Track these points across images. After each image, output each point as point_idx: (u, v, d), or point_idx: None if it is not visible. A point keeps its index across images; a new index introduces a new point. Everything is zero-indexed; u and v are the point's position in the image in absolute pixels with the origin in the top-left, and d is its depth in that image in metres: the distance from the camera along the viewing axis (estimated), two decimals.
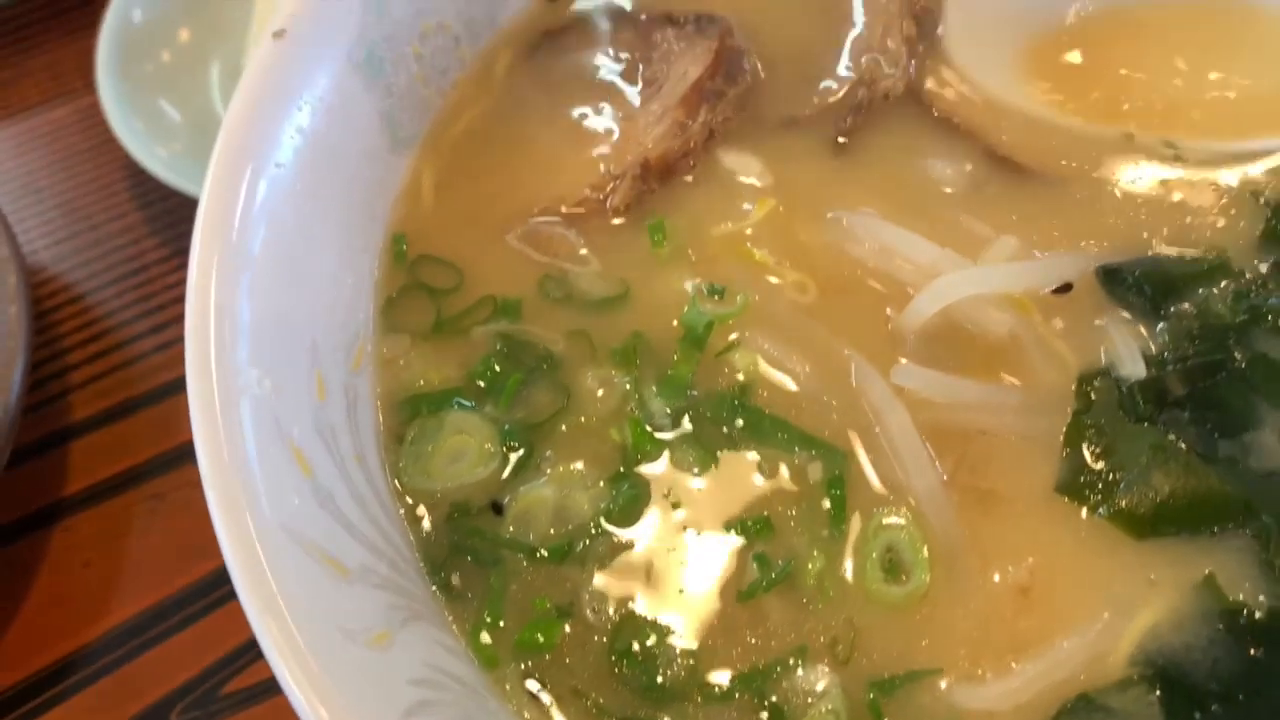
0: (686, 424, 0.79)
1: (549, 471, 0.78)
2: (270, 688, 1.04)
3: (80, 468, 1.19)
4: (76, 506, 1.17)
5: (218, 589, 1.10)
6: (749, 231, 0.88)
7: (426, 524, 0.77)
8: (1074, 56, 1.00)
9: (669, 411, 0.80)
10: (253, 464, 0.68)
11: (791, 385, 0.80)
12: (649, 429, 0.79)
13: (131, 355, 1.25)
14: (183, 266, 1.22)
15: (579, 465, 0.78)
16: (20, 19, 1.51)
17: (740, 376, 0.81)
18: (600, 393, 0.80)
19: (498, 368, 0.82)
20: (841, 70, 0.95)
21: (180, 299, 1.25)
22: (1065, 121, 0.93)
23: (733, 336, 0.83)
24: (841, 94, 0.93)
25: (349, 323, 0.83)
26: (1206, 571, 0.72)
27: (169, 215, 1.34)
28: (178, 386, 1.23)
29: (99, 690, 1.06)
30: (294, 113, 0.82)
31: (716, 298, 0.84)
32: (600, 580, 0.75)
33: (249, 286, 0.74)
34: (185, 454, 1.18)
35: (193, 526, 1.14)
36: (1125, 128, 0.92)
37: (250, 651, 1.07)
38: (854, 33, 0.96)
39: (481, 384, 0.82)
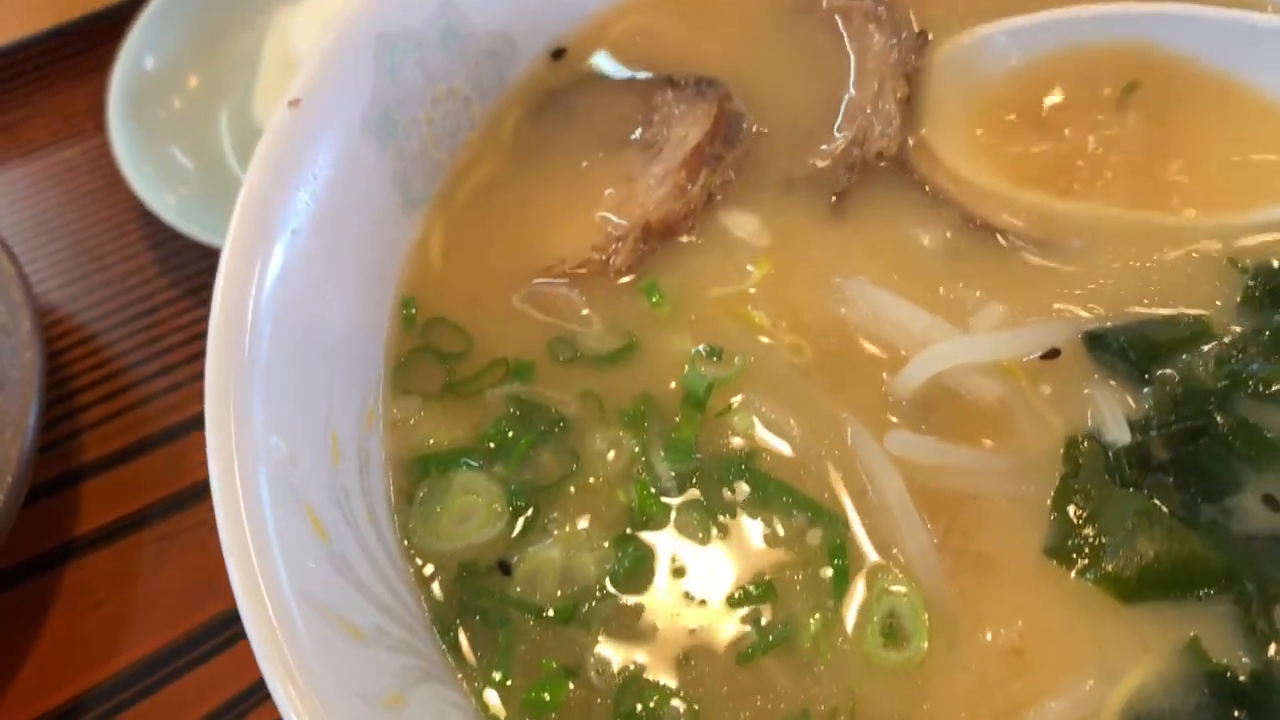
0: (692, 488, 0.82)
1: (556, 532, 0.81)
2: None
3: (92, 508, 1.21)
4: (88, 546, 1.19)
5: (227, 629, 1.13)
6: (749, 293, 0.90)
7: (436, 584, 0.80)
8: (1045, 133, 1.01)
9: (674, 475, 0.82)
10: (270, 533, 0.70)
11: (788, 449, 0.83)
12: (654, 492, 0.81)
13: (142, 396, 1.28)
14: (193, 308, 1.25)
15: (585, 526, 0.81)
16: (32, 60, 1.54)
17: (738, 440, 0.84)
18: (610, 455, 0.83)
19: (509, 431, 0.85)
20: (836, 132, 0.98)
21: (190, 339, 1.29)
22: (1041, 199, 0.95)
23: (735, 400, 0.85)
24: (836, 154, 0.96)
25: (362, 383, 0.86)
26: (1191, 635, 0.75)
27: (179, 256, 1.36)
28: (188, 427, 1.27)
29: None
30: (309, 180, 0.84)
31: (715, 359, 0.87)
32: (605, 641, 0.77)
33: (266, 354, 0.77)
34: (195, 494, 1.20)
35: (203, 566, 1.16)
36: (1106, 202, 0.94)
37: (260, 691, 1.09)
38: (848, 95, 0.98)
39: (492, 445, 0.85)
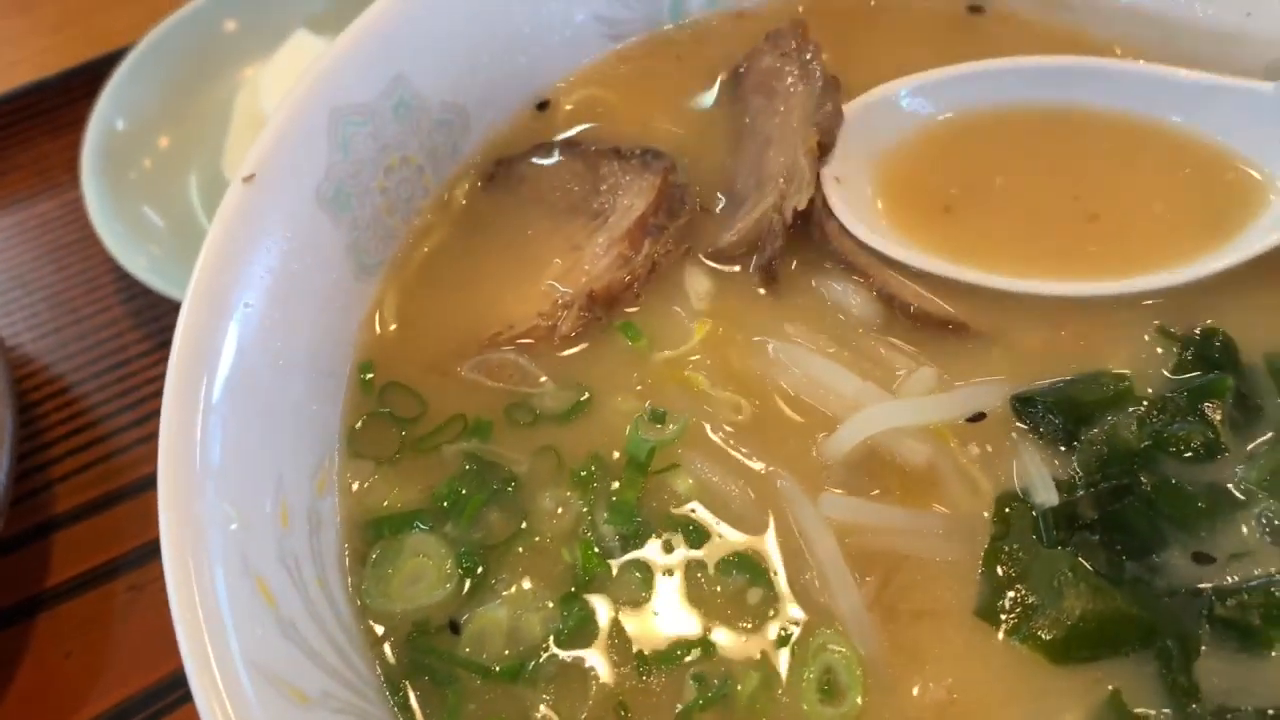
0: (633, 548, 0.85)
1: (504, 593, 0.84)
2: None
3: (63, 559, 1.24)
4: (59, 597, 1.21)
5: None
6: (690, 357, 0.93)
7: (387, 645, 0.83)
8: (955, 199, 1.00)
9: (618, 536, 0.85)
10: (220, 602, 0.73)
11: (727, 510, 0.86)
12: (598, 552, 0.84)
13: (114, 448, 1.30)
14: (165, 360, 1.27)
15: (530, 586, 0.84)
16: (8, 116, 1.57)
17: (679, 501, 0.86)
18: (559, 512, 0.86)
19: (462, 490, 0.87)
20: (761, 194, 1.00)
21: (160, 393, 1.31)
22: (953, 268, 0.95)
23: (677, 462, 0.88)
24: (756, 217, 0.97)
25: (314, 448, 0.89)
26: (1113, 688, 0.77)
27: (152, 309, 1.39)
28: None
29: None
30: (263, 253, 0.87)
31: (658, 424, 0.89)
32: (550, 698, 0.80)
33: (219, 426, 0.80)
34: None
35: (168, 618, 1.18)
36: (1022, 266, 0.95)
37: None
38: (770, 155, 1.01)
39: (445, 504, 0.87)
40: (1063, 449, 0.87)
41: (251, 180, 0.88)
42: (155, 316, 1.38)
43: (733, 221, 0.98)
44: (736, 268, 0.97)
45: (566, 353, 0.94)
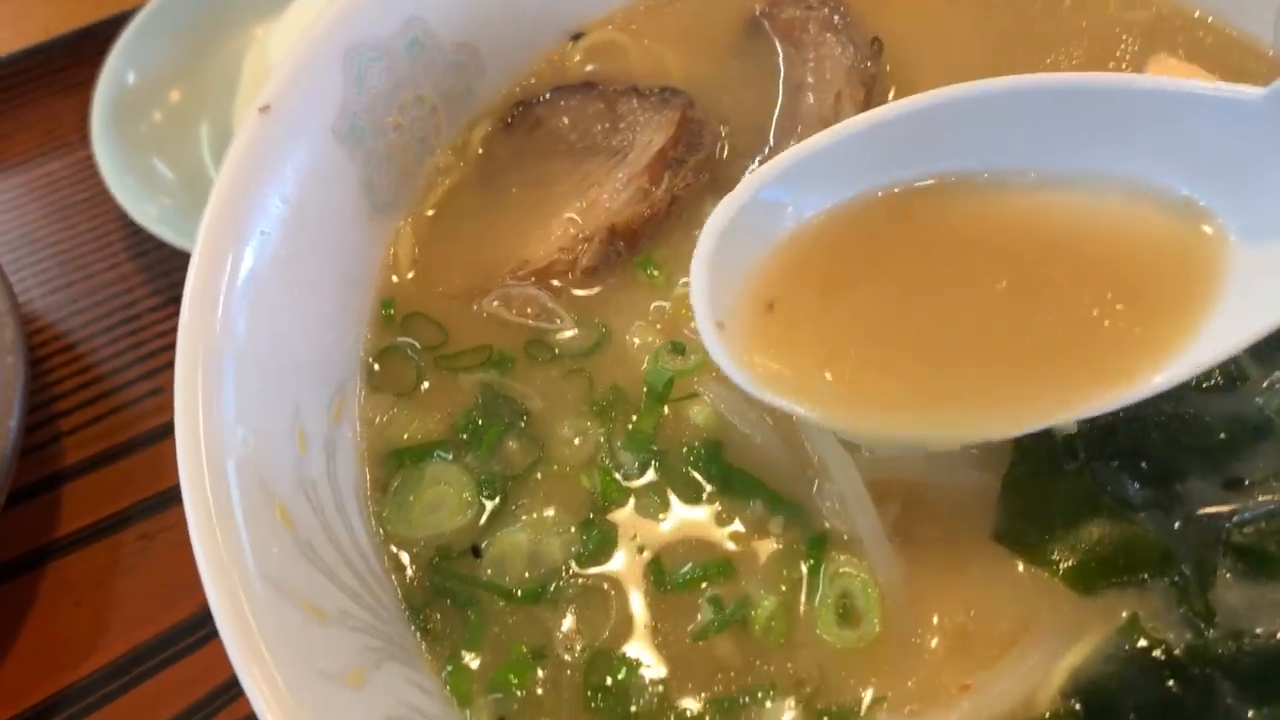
0: (651, 472, 0.84)
1: (524, 518, 0.84)
2: None
3: (72, 510, 1.23)
4: (68, 548, 1.21)
5: (204, 627, 1.15)
6: None
7: (409, 569, 0.83)
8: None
9: (636, 463, 0.85)
10: (237, 519, 0.73)
11: (745, 438, 0.85)
12: (617, 477, 0.84)
13: (124, 401, 1.30)
14: (175, 314, 1.27)
15: (551, 512, 0.84)
16: (17, 76, 1.57)
17: (697, 429, 0.86)
18: (576, 441, 0.86)
19: (479, 421, 0.87)
20: (798, 136, 1.01)
21: (172, 345, 1.30)
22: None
23: (695, 391, 0.88)
24: None
25: (330, 379, 0.88)
26: (1131, 613, 0.77)
27: (162, 265, 1.39)
28: (168, 431, 1.26)
29: None
30: (278, 182, 0.87)
31: (679, 355, 0.89)
32: (571, 619, 0.80)
33: (235, 349, 0.79)
34: (174, 496, 1.20)
35: (180, 566, 1.17)
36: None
37: (235, 687, 1.10)
38: (807, 103, 1.01)
39: (464, 436, 0.87)
40: None
41: (268, 111, 0.88)
42: (165, 272, 1.38)
43: (767, 154, 0.98)
44: None
45: (586, 291, 0.94)
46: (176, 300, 1.34)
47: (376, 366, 0.92)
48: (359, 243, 0.94)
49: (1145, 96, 0.76)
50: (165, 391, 1.30)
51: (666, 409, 0.87)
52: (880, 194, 0.80)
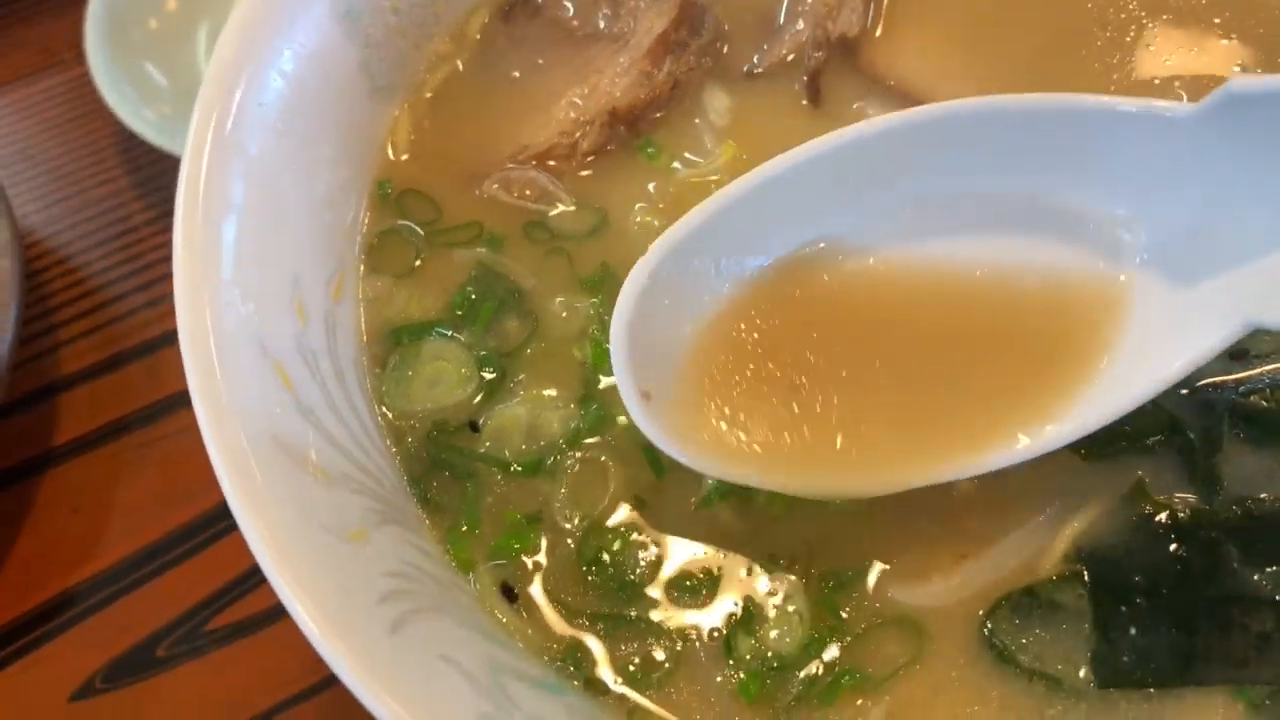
0: None
1: (521, 393, 0.83)
2: (252, 624, 1.09)
3: (68, 420, 1.22)
4: (64, 456, 1.20)
5: (200, 533, 1.14)
6: (713, 176, 0.92)
7: (408, 440, 0.82)
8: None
9: None
10: (238, 373, 0.72)
11: None
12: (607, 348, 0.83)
13: (119, 312, 1.29)
14: (170, 228, 1.26)
15: (547, 386, 0.83)
16: None
17: None
18: (564, 315, 0.86)
19: (474, 296, 0.87)
20: (799, 25, 0.99)
21: (168, 258, 1.30)
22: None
23: None
24: (801, 40, 0.96)
25: (329, 258, 0.87)
26: (1138, 475, 0.77)
27: (157, 179, 1.37)
28: (165, 341, 1.28)
29: (87, 628, 1.10)
30: (277, 57, 0.86)
31: None
32: (569, 491, 0.79)
33: (233, 219, 0.78)
34: (172, 405, 1.22)
35: (178, 474, 1.18)
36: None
37: (233, 590, 1.11)
38: None
39: (459, 313, 0.87)
40: None
41: None
42: (160, 186, 1.37)
43: (769, 44, 0.97)
44: (766, 88, 0.96)
45: (587, 173, 0.93)
46: (171, 214, 1.34)
47: (375, 247, 0.91)
48: (357, 124, 0.93)
49: (1064, 115, 0.70)
50: (161, 303, 1.30)
51: None
52: (802, 252, 0.76)
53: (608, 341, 0.79)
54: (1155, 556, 0.74)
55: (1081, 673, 0.72)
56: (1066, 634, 0.73)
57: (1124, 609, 0.72)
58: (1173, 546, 0.74)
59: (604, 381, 0.83)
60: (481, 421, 0.82)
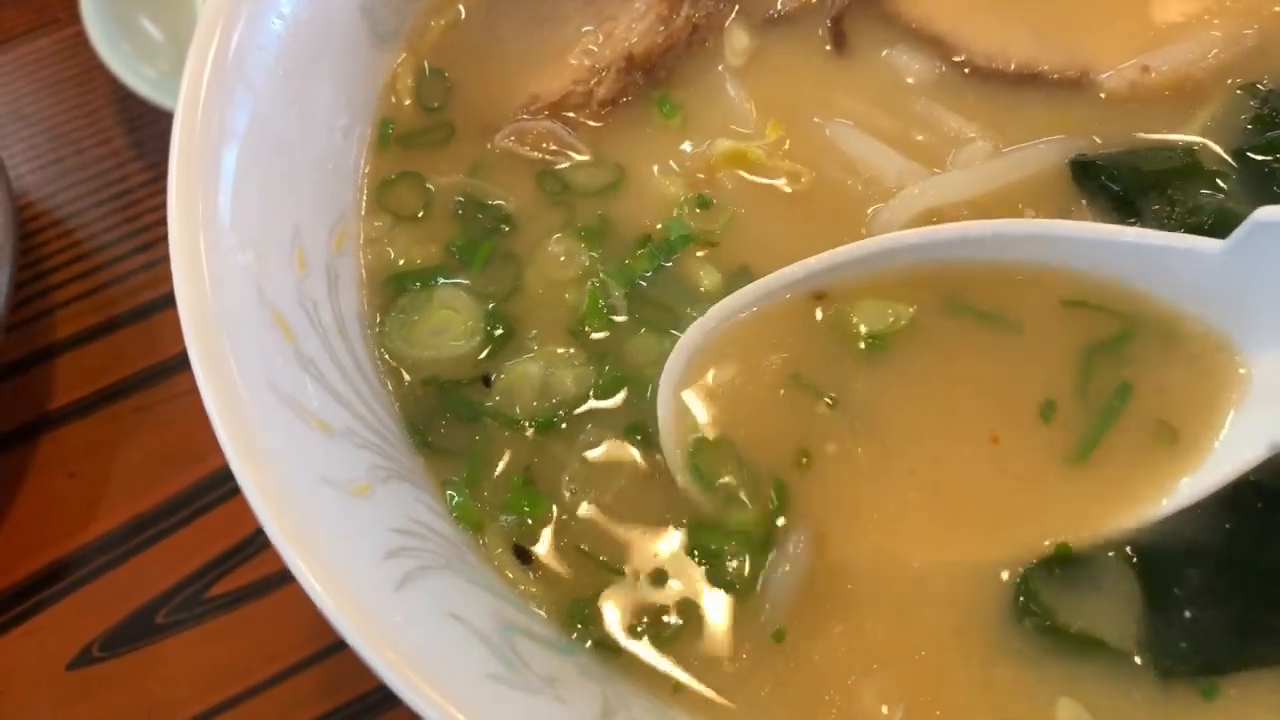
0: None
1: (536, 349, 0.80)
2: (254, 590, 1.06)
3: (65, 383, 1.19)
4: (61, 420, 1.17)
5: (200, 498, 1.11)
6: (734, 128, 0.89)
7: (412, 392, 0.79)
8: None
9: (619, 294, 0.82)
10: (236, 322, 0.69)
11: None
12: (602, 305, 0.81)
13: (116, 274, 1.26)
14: (166, 190, 1.23)
15: (566, 350, 0.80)
16: None
17: (705, 288, 0.82)
18: (562, 259, 0.83)
19: (469, 235, 0.85)
20: None
21: (164, 220, 1.26)
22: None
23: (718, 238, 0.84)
24: None
25: (332, 205, 0.84)
26: None
27: (155, 140, 1.34)
28: (163, 304, 1.24)
29: (86, 594, 1.07)
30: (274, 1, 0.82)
31: (704, 211, 0.85)
32: (580, 451, 0.76)
33: (232, 163, 0.75)
34: (170, 368, 1.19)
35: (177, 438, 1.15)
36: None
37: (235, 556, 1.08)
38: None
39: (457, 255, 0.84)
40: (1123, 219, 0.82)
41: None
42: (158, 148, 1.33)
43: None
44: (787, 34, 0.92)
45: (599, 124, 0.90)
46: (167, 176, 1.31)
47: (379, 195, 0.87)
48: (358, 71, 0.90)
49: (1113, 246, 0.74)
50: (159, 266, 1.27)
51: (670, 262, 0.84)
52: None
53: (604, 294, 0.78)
54: (1203, 531, 0.70)
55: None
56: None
57: (1176, 590, 0.69)
58: (1221, 519, 0.70)
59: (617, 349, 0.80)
60: (494, 376, 0.79)
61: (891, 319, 0.76)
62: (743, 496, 0.73)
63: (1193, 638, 0.68)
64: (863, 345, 0.76)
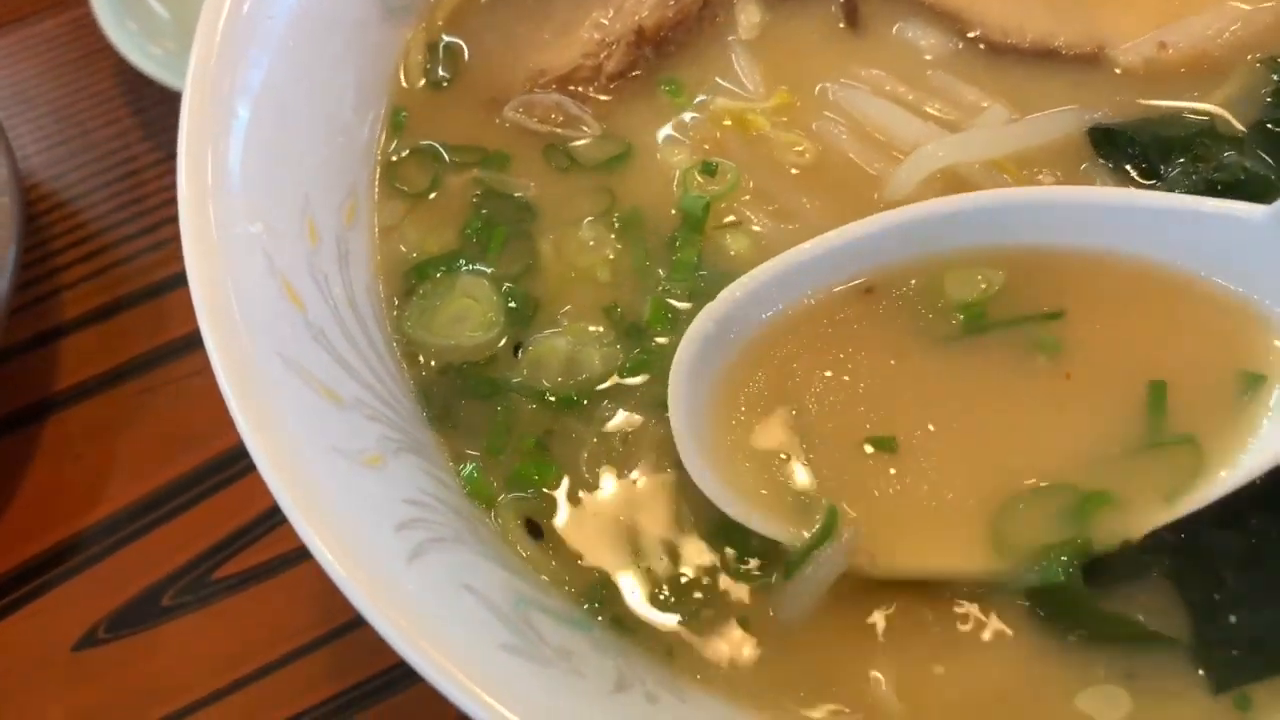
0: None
1: (565, 324, 0.79)
2: (261, 571, 1.05)
3: (71, 364, 1.19)
4: (67, 401, 1.16)
5: (207, 480, 1.11)
6: (747, 101, 0.88)
7: (426, 369, 0.79)
8: None
9: (680, 291, 0.80)
10: (245, 290, 0.68)
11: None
12: (667, 306, 0.79)
13: (123, 255, 1.25)
14: (174, 170, 1.22)
15: (594, 327, 0.79)
16: None
17: (736, 252, 0.81)
18: (591, 242, 0.82)
19: (486, 215, 0.84)
20: None
21: (172, 200, 1.25)
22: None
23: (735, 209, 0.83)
24: None
25: (342, 179, 0.83)
26: None
27: (162, 121, 1.33)
28: (169, 285, 1.24)
29: (92, 576, 1.07)
30: None
31: (709, 177, 0.84)
32: (599, 427, 0.75)
33: (243, 128, 0.75)
34: (176, 350, 1.18)
35: (182, 420, 1.14)
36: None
37: (242, 537, 1.07)
38: None
39: (472, 238, 0.83)
40: (1146, 183, 0.81)
41: None
42: (165, 129, 1.32)
43: None
44: (804, 7, 0.91)
45: (607, 98, 0.89)
46: (175, 156, 1.30)
47: (391, 172, 0.86)
48: (369, 47, 0.89)
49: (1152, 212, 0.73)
50: (166, 246, 1.26)
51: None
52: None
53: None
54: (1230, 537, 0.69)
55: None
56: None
57: (1217, 596, 0.67)
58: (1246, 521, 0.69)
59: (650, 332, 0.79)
60: (522, 348, 0.79)
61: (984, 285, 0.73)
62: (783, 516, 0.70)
63: (1245, 644, 0.66)
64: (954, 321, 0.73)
